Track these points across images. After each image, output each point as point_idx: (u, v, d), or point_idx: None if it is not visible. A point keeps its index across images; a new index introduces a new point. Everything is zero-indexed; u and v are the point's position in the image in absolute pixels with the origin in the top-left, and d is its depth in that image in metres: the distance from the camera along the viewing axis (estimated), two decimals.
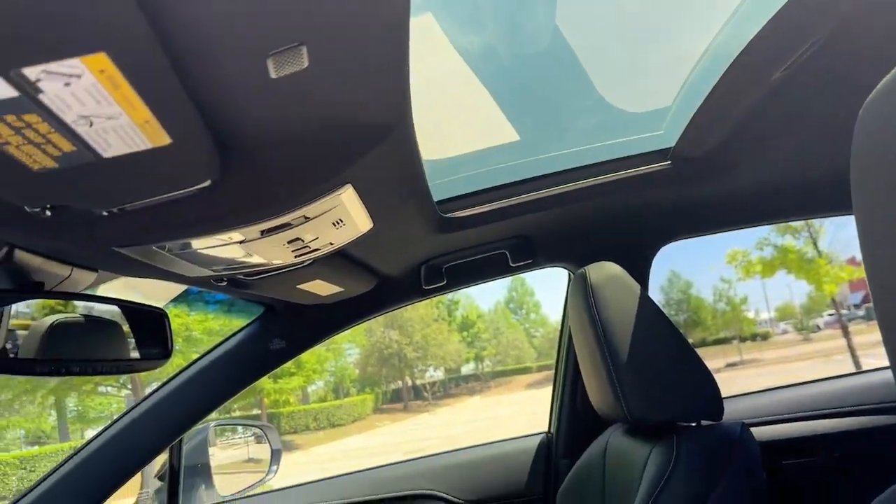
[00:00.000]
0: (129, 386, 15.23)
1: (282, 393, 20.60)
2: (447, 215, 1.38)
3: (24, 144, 0.52)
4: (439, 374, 31.10)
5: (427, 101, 1.03)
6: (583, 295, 1.12)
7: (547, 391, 1.82)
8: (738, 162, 1.33)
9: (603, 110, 1.37)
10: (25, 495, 1.66)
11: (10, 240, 0.82)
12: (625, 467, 1.13)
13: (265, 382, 18.92)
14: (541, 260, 1.61)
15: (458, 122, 1.35)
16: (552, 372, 1.79)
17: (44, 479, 1.67)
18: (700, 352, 1.10)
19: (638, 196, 1.44)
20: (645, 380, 1.05)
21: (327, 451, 17.74)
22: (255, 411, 21.10)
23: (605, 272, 1.13)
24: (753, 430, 1.08)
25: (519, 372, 31.55)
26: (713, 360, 19.54)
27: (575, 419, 1.66)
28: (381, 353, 28.28)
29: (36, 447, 17.52)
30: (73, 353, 1.00)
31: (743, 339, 24.33)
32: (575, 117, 1.42)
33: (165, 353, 1.08)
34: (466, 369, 32.53)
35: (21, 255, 0.86)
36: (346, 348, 28.24)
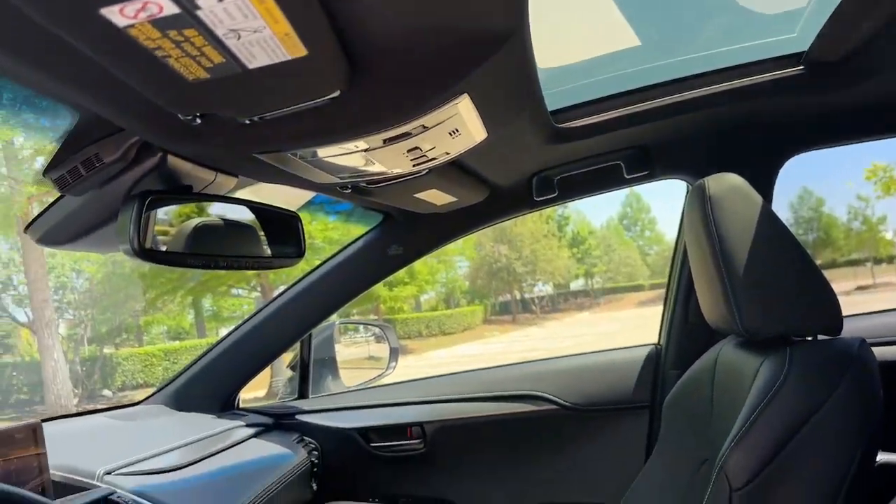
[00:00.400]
0: (259, 289, 16.41)
1: (396, 300, 21.47)
2: (561, 125, 1.37)
3: (182, 57, 0.59)
4: (548, 289, 31.25)
5: (543, 7, 1.02)
6: (700, 206, 1.10)
7: (658, 309, 1.82)
8: (877, 67, 1.23)
9: (731, 11, 1.29)
10: (173, 381, 1.88)
11: (165, 146, 0.91)
12: (734, 379, 1.13)
13: (381, 290, 19.78)
14: (658, 171, 1.58)
15: (575, 27, 1.32)
16: (665, 290, 1.79)
17: (189, 367, 1.88)
18: (829, 273, 1.06)
19: (766, 104, 1.37)
20: (761, 292, 1.03)
21: (438, 356, 18.54)
22: (372, 317, 22.19)
23: (726, 183, 1.11)
24: (875, 349, 1.05)
25: (630, 289, 31.12)
26: (842, 281, 18.34)
27: (686, 332, 1.66)
28: (491, 267, 28.67)
29: (177, 342, 19.46)
30: (216, 250, 1.11)
31: (878, 262, 22.61)
32: (701, 19, 1.35)
33: (299, 252, 1.18)
34: (576, 285, 32.44)
35: (173, 161, 0.96)
36: (457, 261, 28.84)
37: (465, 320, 26.28)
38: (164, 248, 1.01)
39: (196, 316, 21.00)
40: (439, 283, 27.91)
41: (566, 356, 1.87)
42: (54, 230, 1.09)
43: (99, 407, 1.97)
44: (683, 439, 1.29)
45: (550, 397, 1.74)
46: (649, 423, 1.69)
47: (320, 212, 1.92)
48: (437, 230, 1.76)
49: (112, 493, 1.16)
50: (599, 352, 1.84)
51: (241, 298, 18.23)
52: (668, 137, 1.52)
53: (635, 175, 1.57)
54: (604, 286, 32.18)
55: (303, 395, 1.99)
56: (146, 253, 0.88)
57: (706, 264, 1.10)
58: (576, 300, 31.36)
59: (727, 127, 1.48)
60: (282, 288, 2.02)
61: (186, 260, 0.97)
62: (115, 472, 1.25)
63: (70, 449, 1.29)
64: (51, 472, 1.18)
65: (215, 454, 1.52)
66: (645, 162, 1.56)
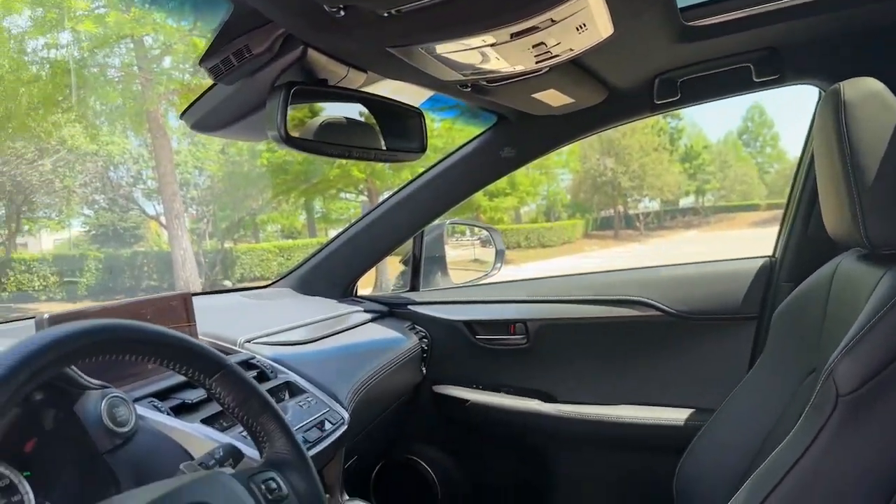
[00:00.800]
0: (366, 193, 16.92)
1: (496, 211, 21.53)
2: (689, 23, 1.32)
3: None
4: (654, 206, 30.29)
5: None
6: (833, 111, 1.05)
7: (773, 230, 1.76)
8: None
9: None
10: (299, 267, 2.04)
11: (307, 38, 0.97)
12: (852, 292, 1.11)
13: (482, 200, 19.87)
14: (789, 76, 1.50)
15: None
16: (782, 211, 1.73)
17: (313, 255, 2.03)
18: None
19: None
20: (889, 204, 1.00)
21: (537, 267, 18.64)
22: None
23: (864, 89, 1.05)
24: None
25: (744, 209, 29.62)
26: None
27: (804, 245, 1.62)
28: (595, 181, 28.00)
29: (290, 240, 20.55)
30: (345, 142, 1.19)
31: None
32: None
33: (421, 147, 1.24)
34: (685, 202, 31.24)
35: (312, 55, 1.03)
36: (560, 173, 28.34)
37: (564, 234, 26.09)
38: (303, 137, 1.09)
39: (307, 217, 22.02)
40: (540, 196, 27.66)
41: (674, 265, 1.87)
42: (207, 117, 1.19)
43: (233, 286, 2.17)
44: (791, 351, 1.29)
45: (655, 303, 1.77)
46: (755, 335, 1.69)
47: (434, 112, 1.96)
48: (552, 133, 1.77)
49: (252, 358, 1.32)
50: (709, 262, 1.82)
51: (348, 202, 18.90)
52: (802, 39, 1.43)
53: (764, 79, 1.50)
54: (715, 204, 30.80)
55: (414, 287, 2.11)
56: (290, 140, 0.96)
57: (834, 174, 1.06)
58: (683, 218, 30.29)
59: (867, 29, 1.37)
60: (387, 194, 2.10)
61: (324, 148, 1.05)
62: (254, 341, 1.40)
63: (212, 320, 1.45)
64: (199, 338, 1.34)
65: (337, 333, 1.66)
66: (776, 65, 1.48)
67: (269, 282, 2.09)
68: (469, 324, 1.96)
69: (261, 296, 1.89)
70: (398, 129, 1.27)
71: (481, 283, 2.15)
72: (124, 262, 17.64)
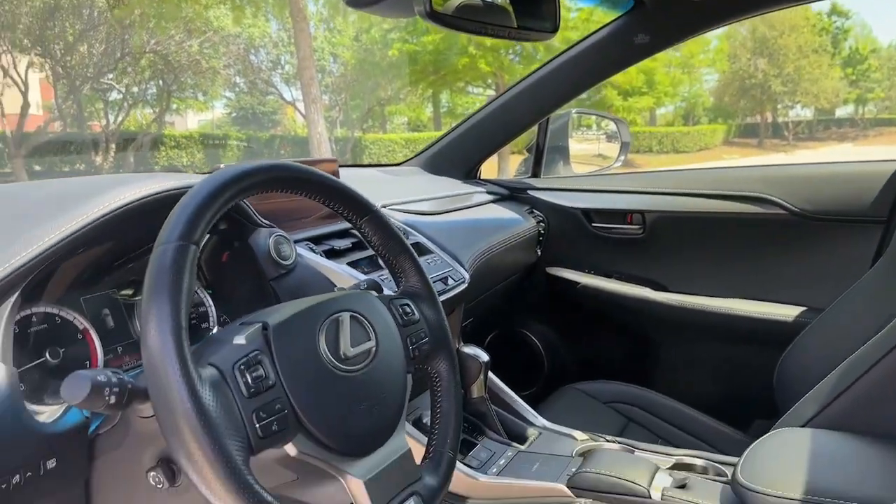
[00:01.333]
0: (493, 88, 16.71)
1: (630, 112, 20.63)
2: None
3: None
4: (807, 114, 27.78)
5: None
6: None
7: None
8: None
9: None
10: (428, 149, 2.17)
11: None
12: None
13: (614, 98, 19.07)
14: None
15: None
16: None
17: (441, 137, 2.15)
18: None
19: None
20: None
21: None
22: None
23: None
24: None
25: None
26: None
27: None
28: (743, 83, 25.89)
29: (416, 133, 20.84)
30: (481, 19, 1.25)
31: None
32: None
33: (553, 27, 1.29)
34: (842, 112, 28.42)
35: None
36: (704, 73, 26.44)
37: (702, 140, 24.66)
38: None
39: (434, 110, 22.14)
40: (680, 97, 26.06)
41: (802, 163, 1.84)
42: None
43: (368, 163, 2.34)
44: None
45: (779, 201, 1.76)
46: (880, 240, 1.66)
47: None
48: (693, 17, 1.71)
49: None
50: (840, 162, 1.77)
51: (474, 97, 18.76)
52: None
53: None
54: (876, 116, 27.79)
55: (535, 174, 2.19)
56: (433, 15, 1.06)
57: None
58: (838, 129, 27.67)
59: None
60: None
61: (462, 24, 1.13)
62: (389, 207, 1.57)
63: (354, 186, 1.62)
64: None
65: (461, 209, 1.80)
66: None
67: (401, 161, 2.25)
68: (586, 212, 2.03)
69: (394, 172, 2.05)
70: (532, 9, 1.31)
71: (601, 173, 2.20)
72: (263, 145, 18.70)
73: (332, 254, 1.22)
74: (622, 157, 2.25)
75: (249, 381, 0.68)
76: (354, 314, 0.81)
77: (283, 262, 1.08)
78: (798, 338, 1.54)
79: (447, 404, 0.91)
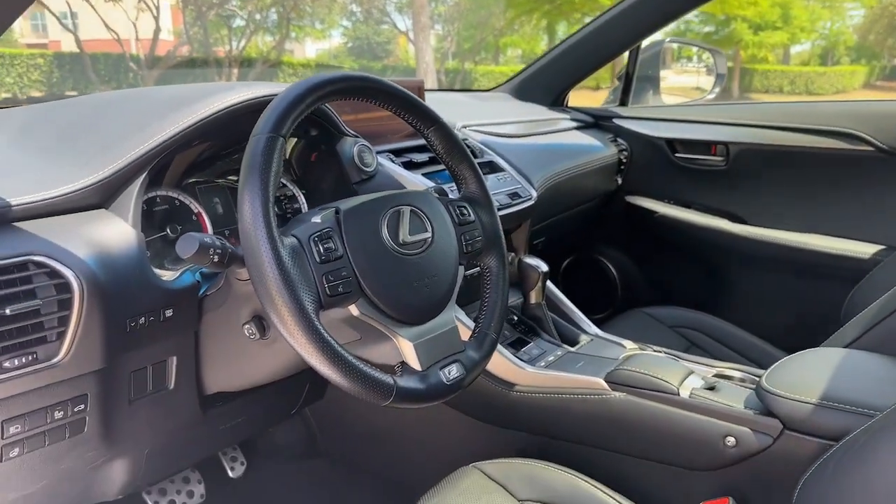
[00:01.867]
0: None
1: (761, 48, 19.22)
2: None
3: None
4: None
5: None
6: None
7: None
8: None
9: None
10: (517, 76, 2.23)
11: None
12: None
13: (744, 33, 17.81)
14: None
15: None
16: None
17: (530, 65, 2.20)
18: None
19: None
20: None
21: None
22: (730, 64, 20.33)
23: None
24: None
25: None
26: None
27: None
28: (893, 20, 23.35)
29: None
30: None
31: None
32: None
33: None
34: None
35: None
36: (849, 7, 24.03)
37: (839, 82, 22.62)
38: None
39: (549, 42, 21.52)
40: (818, 34, 23.90)
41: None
42: None
43: (459, 88, 2.44)
44: None
45: (867, 137, 1.72)
46: None
47: None
48: None
49: (465, 139, 1.60)
50: None
51: None
52: None
53: None
54: None
55: (622, 102, 2.22)
56: None
57: None
58: None
59: None
60: None
61: None
62: (469, 128, 1.68)
63: (438, 107, 1.73)
64: None
65: (542, 134, 1.89)
66: None
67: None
68: (670, 141, 2.06)
69: (481, 97, 2.15)
70: None
71: (689, 104, 2.20)
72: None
73: (409, 165, 1.36)
74: (716, 90, 2.23)
75: (321, 250, 0.84)
76: (415, 209, 0.95)
77: (365, 169, 1.23)
78: (871, 273, 1.55)
79: (494, 295, 1.04)
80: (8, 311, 0.77)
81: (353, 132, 1.23)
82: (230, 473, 1.52)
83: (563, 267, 2.33)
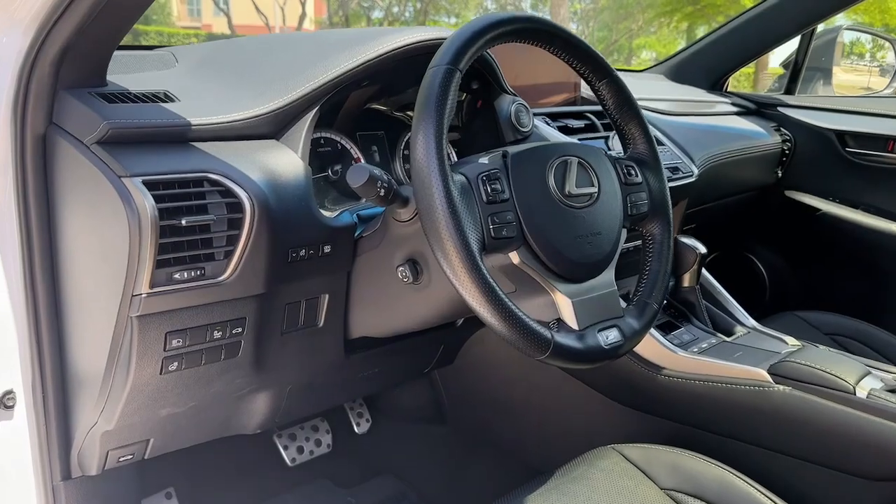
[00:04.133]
0: None
1: None
2: None
3: None
4: None
5: None
6: None
7: None
8: None
9: None
10: (673, 56, 2.12)
11: None
12: None
13: None
14: None
15: None
16: None
17: (689, 46, 2.08)
18: None
19: None
20: None
21: None
22: None
23: None
24: None
25: None
26: None
27: None
28: None
29: None
30: None
31: None
32: None
33: None
34: None
35: None
36: None
37: None
38: None
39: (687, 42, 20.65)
40: None
41: None
42: None
43: None
44: None
45: None
46: None
47: None
48: None
49: None
50: None
51: None
52: None
53: None
54: None
55: (789, 91, 2.06)
56: None
57: None
58: None
59: None
60: None
61: None
62: None
63: None
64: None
65: (700, 115, 1.77)
66: None
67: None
68: (841, 134, 1.88)
69: (634, 76, 2.06)
70: None
71: (865, 95, 2.00)
72: None
73: (565, 130, 1.31)
74: (894, 86, 2.02)
75: (489, 190, 0.81)
76: (582, 161, 0.90)
77: (521, 129, 1.19)
78: None
79: (657, 264, 0.97)
80: (183, 223, 0.79)
81: (512, 89, 1.20)
82: (356, 429, 1.54)
83: (709, 261, 2.19)
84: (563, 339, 0.82)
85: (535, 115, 1.28)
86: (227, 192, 0.83)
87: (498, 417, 1.46)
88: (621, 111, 0.99)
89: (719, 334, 1.27)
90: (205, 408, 1.01)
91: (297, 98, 0.94)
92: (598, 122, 1.39)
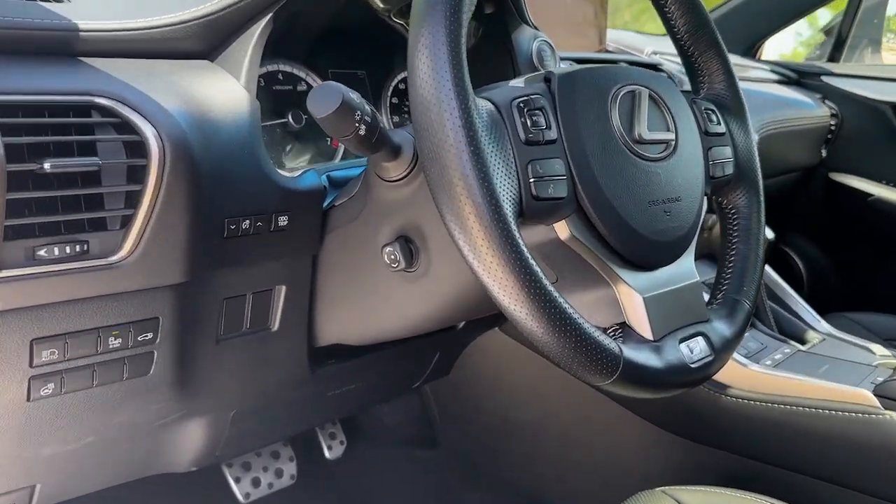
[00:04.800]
0: None
1: None
2: None
3: None
4: None
5: None
6: None
7: None
8: None
9: None
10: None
11: None
12: None
13: None
14: None
15: None
16: None
17: (717, 7, 1.82)
18: None
19: None
20: None
21: None
22: None
23: None
24: None
25: None
26: None
27: None
28: None
29: None
30: None
31: None
32: None
33: None
34: None
35: None
36: None
37: None
38: None
39: None
40: None
41: None
42: None
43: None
44: None
45: None
46: None
47: None
48: None
49: (660, 65, 1.26)
50: None
51: None
52: None
53: None
54: None
55: (833, 58, 1.80)
56: None
57: None
58: None
59: None
60: None
61: None
62: (662, 55, 1.35)
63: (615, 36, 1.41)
64: None
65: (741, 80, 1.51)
66: None
67: None
68: None
69: (655, 38, 1.78)
70: None
71: None
72: None
73: None
74: None
75: (528, 123, 0.53)
76: (654, 95, 0.62)
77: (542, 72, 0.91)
78: None
79: (744, 246, 0.70)
80: (47, 167, 0.50)
81: (533, 22, 0.92)
82: (326, 453, 1.24)
83: None
84: (634, 353, 0.54)
85: (562, 59, 1.00)
86: (126, 127, 0.55)
87: (503, 442, 1.18)
88: (697, 38, 0.73)
89: (792, 341, 1.00)
90: (110, 444, 0.72)
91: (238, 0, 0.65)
92: None
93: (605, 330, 0.59)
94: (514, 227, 0.48)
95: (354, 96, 0.54)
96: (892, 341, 1.37)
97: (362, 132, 0.55)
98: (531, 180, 0.51)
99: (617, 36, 1.35)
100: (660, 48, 1.34)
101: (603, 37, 1.29)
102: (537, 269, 0.49)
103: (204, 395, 0.73)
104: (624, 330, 0.58)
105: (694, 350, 0.60)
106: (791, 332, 1.05)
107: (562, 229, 0.55)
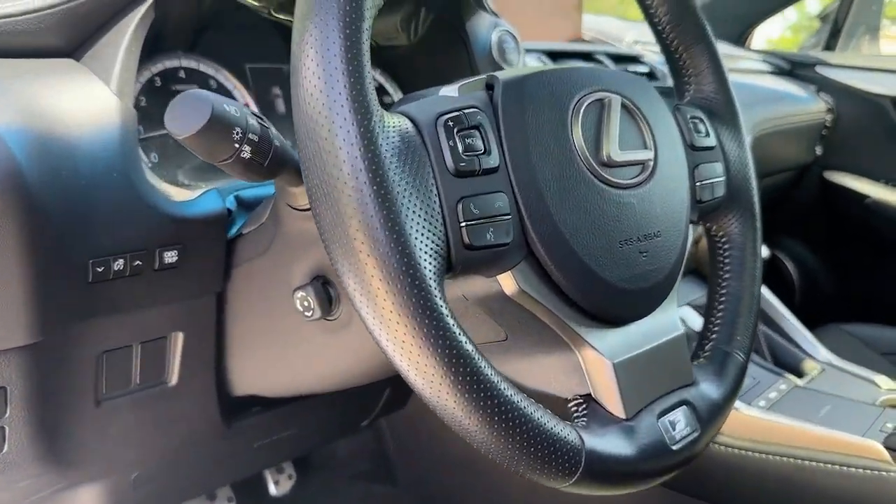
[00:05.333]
0: None
1: None
2: None
3: None
4: None
5: None
6: None
7: None
8: None
9: None
10: None
11: None
12: None
13: None
14: None
15: None
16: None
17: None
18: None
19: None
20: None
21: None
22: None
23: None
24: None
25: None
26: None
27: None
28: None
29: None
30: None
31: None
32: None
33: None
34: None
35: None
36: None
37: None
38: None
39: None
40: None
41: None
42: None
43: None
44: None
45: None
46: None
47: None
48: None
49: (642, 56, 1.14)
50: None
51: None
52: None
53: None
54: None
55: (829, 47, 1.68)
56: None
57: None
58: None
59: None
60: None
61: None
62: (644, 45, 1.23)
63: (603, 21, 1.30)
64: None
65: (731, 71, 1.39)
66: None
67: None
68: None
69: (636, 23, 1.66)
70: None
71: None
72: None
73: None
74: None
75: (460, 147, 0.40)
76: (628, 103, 0.49)
77: (504, 67, 0.78)
78: None
79: (737, 283, 0.59)
80: None
81: (492, 8, 0.79)
82: (273, 489, 1.11)
83: None
84: (599, 441, 0.42)
85: (528, 51, 0.87)
86: None
87: (468, 482, 1.06)
88: (680, 29, 0.60)
89: (787, 374, 0.89)
90: None
91: None
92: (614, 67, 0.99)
93: (567, 401, 0.47)
94: (435, 291, 0.36)
95: (232, 108, 0.41)
96: (890, 356, 1.27)
97: (245, 154, 0.42)
98: (462, 224, 0.39)
99: (594, 23, 1.22)
100: (643, 37, 1.22)
101: (578, 24, 1.16)
102: (468, 347, 0.37)
103: (88, 464, 0.60)
104: (589, 405, 0.46)
105: (676, 425, 0.48)
106: (786, 361, 0.93)
107: (507, 283, 0.42)
